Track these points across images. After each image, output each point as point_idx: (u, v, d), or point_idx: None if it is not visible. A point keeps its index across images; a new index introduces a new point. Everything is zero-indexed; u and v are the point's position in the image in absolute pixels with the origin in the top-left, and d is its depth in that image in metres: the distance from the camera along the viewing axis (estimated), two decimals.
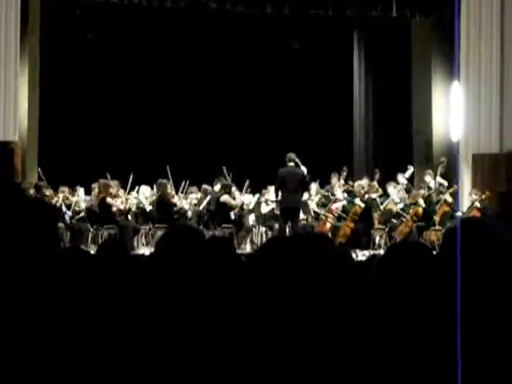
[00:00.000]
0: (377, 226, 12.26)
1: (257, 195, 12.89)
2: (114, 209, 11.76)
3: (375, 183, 12.93)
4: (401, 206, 12.29)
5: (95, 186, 12.12)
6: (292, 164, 11.57)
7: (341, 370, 1.81)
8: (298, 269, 1.87)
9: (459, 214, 11.83)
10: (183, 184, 12.86)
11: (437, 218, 12.08)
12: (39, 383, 2.02)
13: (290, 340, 1.83)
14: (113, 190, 11.97)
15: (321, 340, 1.82)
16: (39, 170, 12.54)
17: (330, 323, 1.83)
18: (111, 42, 15.18)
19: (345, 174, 13.21)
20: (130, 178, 12.27)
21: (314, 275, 1.86)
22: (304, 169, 11.73)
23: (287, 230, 11.56)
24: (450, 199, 12.19)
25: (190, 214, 12.46)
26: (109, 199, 11.73)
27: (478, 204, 11.72)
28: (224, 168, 12.76)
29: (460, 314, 1.92)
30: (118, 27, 15.00)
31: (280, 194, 11.69)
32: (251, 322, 1.95)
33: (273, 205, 12.39)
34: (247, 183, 12.80)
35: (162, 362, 2.05)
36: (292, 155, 11.60)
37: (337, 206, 12.49)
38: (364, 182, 12.95)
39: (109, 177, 12.29)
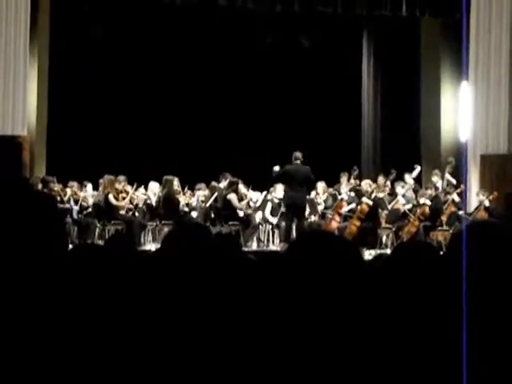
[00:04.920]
0: (384, 225, 12.24)
1: (264, 193, 12.88)
2: (115, 203, 11.73)
3: (388, 183, 12.92)
4: (409, 206, 12.26)
5: (102, 181, 12.13)
6: (298, 162, 11.51)
7: (343, 370, 1.81)
8: (312, 268, 1.87)
9: (461, 213, 11.83)
10: (187, 186, 12.90)
11: (444, 218, 12.05)
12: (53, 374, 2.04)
13: (296, 338, 1.83)
14: (119, 186, 11.97)
15: (324, 338, 1.82)
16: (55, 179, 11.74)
17: (334, 323, 1.83)
18: (120, 38, 15.22)
19: (355, 173, 13.17)
20: (135, 184, 12.29)
21: (325, 273, 1.86)
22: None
23: (293, 227, 11.53)
24: (457, 199, 12.17)
25: (196, 210, 12.47)
26: (111, 197, 11.69)
27: (485, 204, 11.69)
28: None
29: (466, 315, 1.92)
30: (126, 23, 15.04)
31: (285, 191, 11.67)
32: (256, 318, 1.96)
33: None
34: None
35: (167, 358, 2.06)
36: (298, 154, 11.53)
37: (344, 209, 12.45)
38: (380, 180, 12.96)
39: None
